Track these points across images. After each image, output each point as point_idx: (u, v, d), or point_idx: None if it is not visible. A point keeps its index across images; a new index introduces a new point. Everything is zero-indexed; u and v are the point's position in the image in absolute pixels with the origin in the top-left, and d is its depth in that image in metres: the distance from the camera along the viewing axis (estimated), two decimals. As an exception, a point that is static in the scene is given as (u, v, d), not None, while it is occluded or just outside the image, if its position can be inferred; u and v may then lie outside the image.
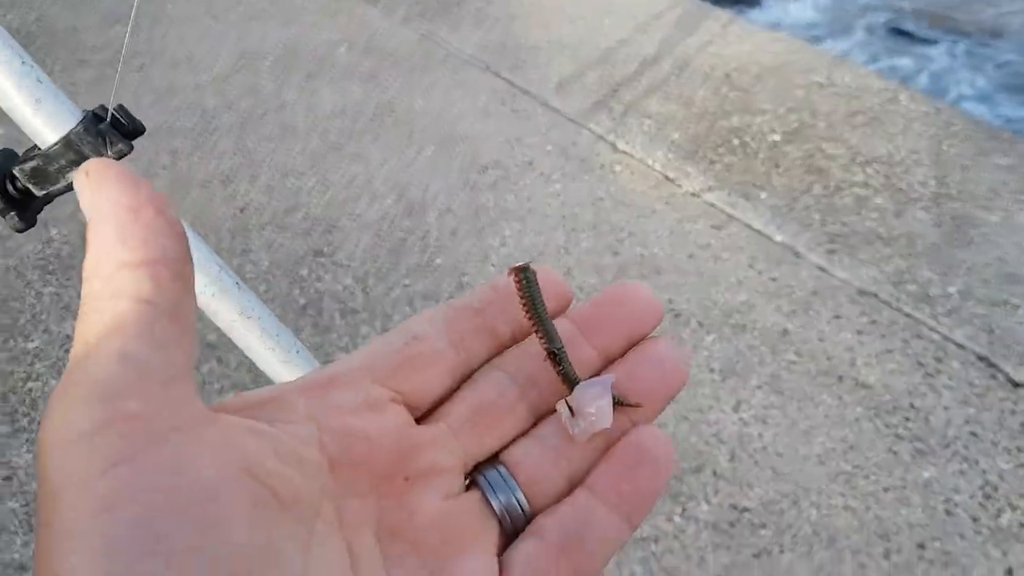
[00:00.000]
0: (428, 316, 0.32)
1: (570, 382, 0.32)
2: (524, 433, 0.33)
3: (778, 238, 1.65)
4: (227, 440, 0.25)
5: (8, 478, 1.19)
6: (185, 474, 0.22)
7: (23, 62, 0.32)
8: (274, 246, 1.61)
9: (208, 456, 0.23)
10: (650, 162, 1.85)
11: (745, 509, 1.19)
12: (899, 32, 2.82)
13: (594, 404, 0.31)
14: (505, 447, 0.32)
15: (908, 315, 1.48)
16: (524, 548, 0.31)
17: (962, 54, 2.72)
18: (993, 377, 1.38)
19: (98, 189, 0.25)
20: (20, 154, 0.33)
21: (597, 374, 0.33)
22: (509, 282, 0.33)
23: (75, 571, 0.20)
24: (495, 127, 1.96)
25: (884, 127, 1.98)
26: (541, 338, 0.32)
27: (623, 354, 0.33)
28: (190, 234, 0.28)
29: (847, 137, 1.94)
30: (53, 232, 1.60)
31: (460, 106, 2.04)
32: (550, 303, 0.33)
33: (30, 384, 1.32)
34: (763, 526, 1.16)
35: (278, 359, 0.32)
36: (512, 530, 0.31)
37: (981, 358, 1.41)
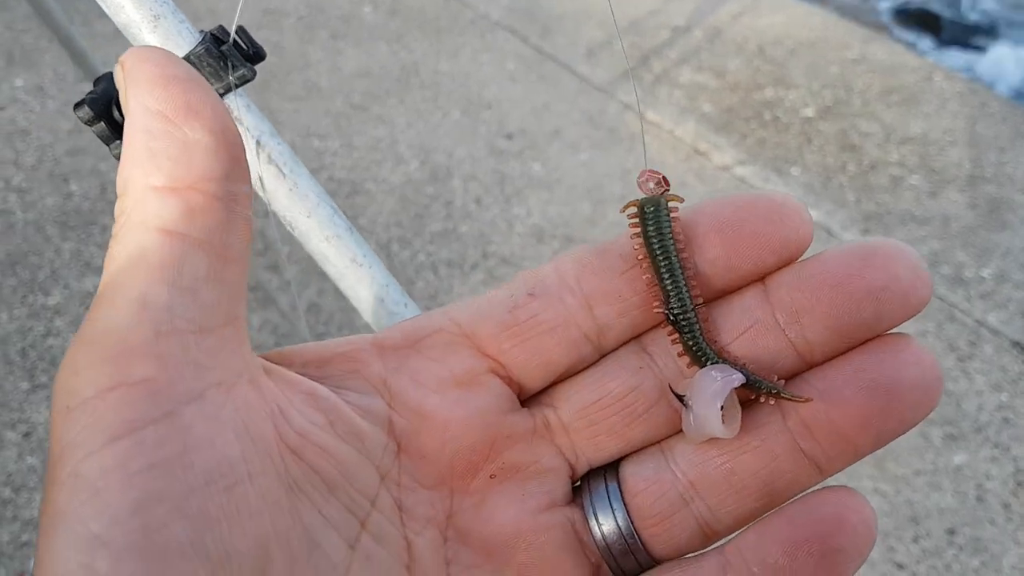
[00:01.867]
0: (557, 265, 0.25)
1: (695, 360, 0.24)
2: (657, 443, 0.25)
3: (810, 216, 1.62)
4: (267, 406, 0.21)
5: (28, 434, 1.18)
6: (198, 452, 0.19)
7: (141, -29, 0.28)
8: (297, 208, 1.58)
9: (233, 428, 0.19)
10: (680, 133, 1.82)
11: (773, 489, 1.17)
12: (931, 12, 2.76)
13: (707, 403, 0.22)
14: (628, 456, 0.25)
15: (941, 298, 1.46)
16: None
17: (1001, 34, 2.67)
18: (1027, 363, 1.35)
19: (130, 88, 0.20)
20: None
21: (743, 366, 0.23)
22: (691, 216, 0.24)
23: (57, 558, 0.17)
24: (522, 93, 1.93)
25: (919, 106, 1.93)
26: (656, 297, 0.24)
27: (837, 354, 0.23)
28: (302, 173, 0.26)
29: (882, 115, 1.90)
30: (73, 187, 1.58)
31: (487, 71, 2.00)
32: (745, 257, 0.23)
33: (50, 340, 1.30)
34: (791, 507, 1.15)
35: (386, 310, 0.29)
36: (615, 567, 0.24)
37: (1015, 343, 1.38)
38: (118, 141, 0.28)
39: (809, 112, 1.91)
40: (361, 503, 0.22)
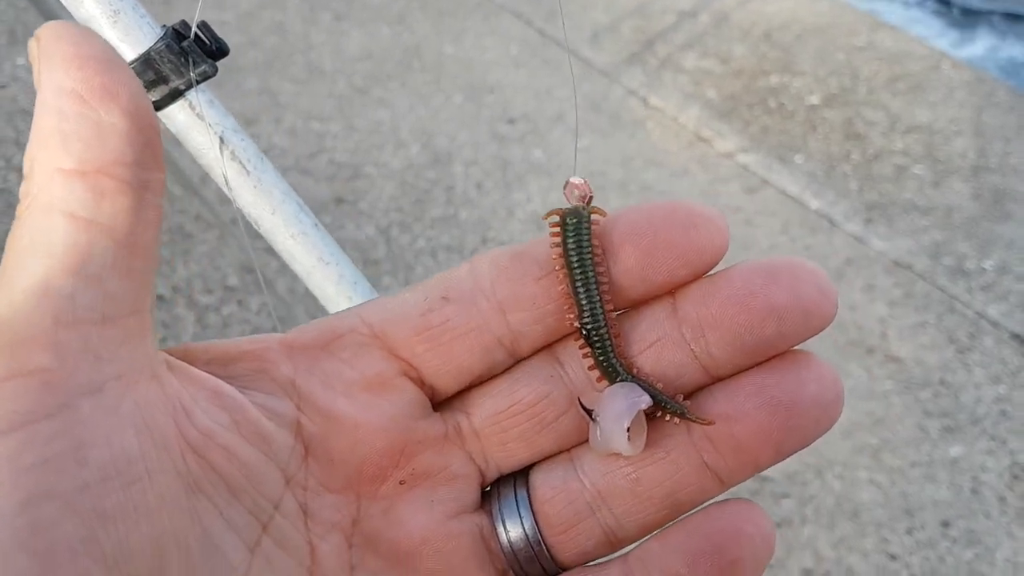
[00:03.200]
0: (472, 267, 0.24)
1: (605, 375, 0.24)
2: (567, 452, 0.25)
3: (813, 205, 1.61)
4: (170, 402, 0.20)
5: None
6: (93, 447, 0.18)
7: (100, -36, 0.28)
8: (296, 191, 1.58)
9: (132, 424, 0.19)
10: (683, 120, 1.81)
11: (768, 479, 1.17)
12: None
13: (613, 422, 0.23)
14: (537, 464, 0.25)
15: (942, 289, 1.45)
16: None
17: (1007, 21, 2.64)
18: (1026, 356, 1.35)
19: (44, 65, 0.19)
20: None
21: (652, 384, 0.24)
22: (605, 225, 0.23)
23: None
24: (525, 78, 1.91)
25: (925, 95, 1.92)
26: (570, 309, 0.24)
27: (742, 368, 0.23)
28: (267, 169, 0.25)
29: (887, 103, 1.89)
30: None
31: (490, 54, 1.99)
32: (658, 268, 0.23)
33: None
34: (786, 496, 1.15)
35: (356, 311, 0.29)
36: (520, 573, 0.24)
37: (1015, 336, 1.38)
38: None
39: (814, 99, 1.90)
40: (264, 506, 0.22)
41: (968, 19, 2.59)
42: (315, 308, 1.33)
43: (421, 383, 0.24)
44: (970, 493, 1.17)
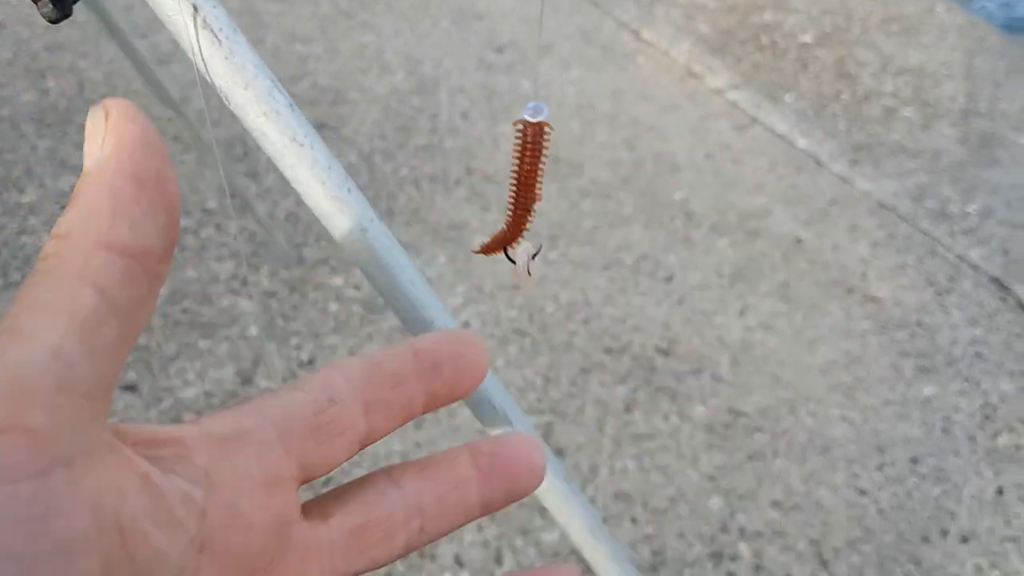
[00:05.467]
0: (343, 372, 0.28)
1: (516, 236, 0.36)
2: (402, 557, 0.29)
3: (801, 144, 1.60)
4: (117, 483, 0.21)
5: None
6: (56, 518, 0.18)
7: None
8: (279, 114, 1.55)
9: (88, 501, 0.19)
10: (675, 54, 1.78)
11: (742, 413, 1.18)
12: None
13: (525, 256, 0.38)
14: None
15: (925, 232, 1.45)
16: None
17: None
18: (1003, 300, 1.36)
19: (113, 145, 0.20)
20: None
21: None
22: (432, 346, 0.29)
23: None
24: (514, 5, 1.87)
25: (918, 37, 1.89)
26: (512, 194, 0.34)
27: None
28: (240, 42, 0.24)
29: (880, 44, 1.86)
30: (50, 83, 1.54)
31: (479, -19, 1.94)
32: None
33: (23, 239, 1.29)
34: (759, 430, 1.16)
35: (328, 194, 0.28)
36: None
37: (994, 280, 1.39)
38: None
39: (807, 38, 1.87)
40: None
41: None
42: (294, 233, 1.32)
43: (304, 477, 0.26)
44: (941, 432, 1.19)
